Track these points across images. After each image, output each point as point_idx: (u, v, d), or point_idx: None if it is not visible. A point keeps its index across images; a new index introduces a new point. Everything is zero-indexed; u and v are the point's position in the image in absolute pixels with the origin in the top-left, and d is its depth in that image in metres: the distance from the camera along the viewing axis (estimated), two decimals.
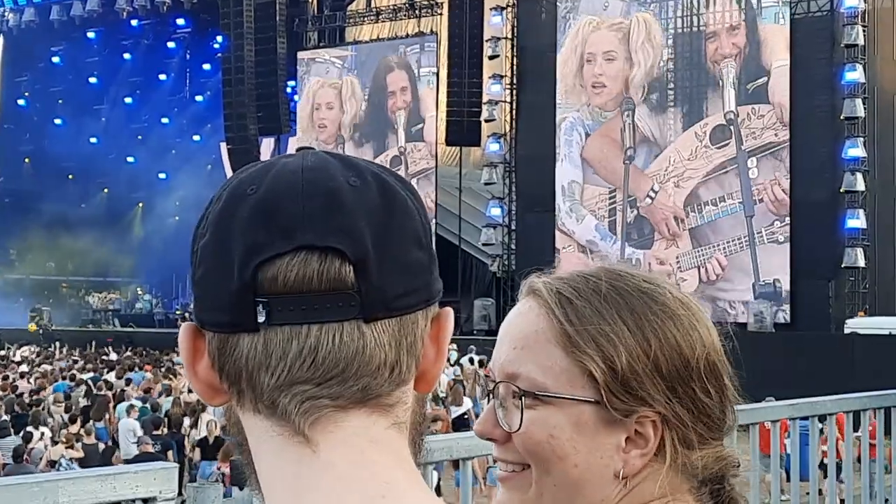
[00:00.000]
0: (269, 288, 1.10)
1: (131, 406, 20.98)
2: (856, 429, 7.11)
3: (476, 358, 27.84)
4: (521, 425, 1.52)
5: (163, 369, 30.42)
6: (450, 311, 1.22)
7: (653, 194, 37.35)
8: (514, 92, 41.84)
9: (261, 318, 1.10)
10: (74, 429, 19.93)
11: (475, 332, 33.91)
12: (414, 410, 1.19)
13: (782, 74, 34.99)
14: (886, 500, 7.28)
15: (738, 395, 1.56)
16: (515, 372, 1.54)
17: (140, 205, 61.46)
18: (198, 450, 19.52)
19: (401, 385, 1.15)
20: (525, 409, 1.52)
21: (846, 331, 30.34)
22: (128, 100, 61.29)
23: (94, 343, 41.84)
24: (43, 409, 21.95)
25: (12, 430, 19.53)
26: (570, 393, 1.50)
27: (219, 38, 51.96)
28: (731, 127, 36.03)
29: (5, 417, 20.75)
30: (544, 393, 1.52)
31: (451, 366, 26.71)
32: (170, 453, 18.63)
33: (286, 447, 1.12)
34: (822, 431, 6.91)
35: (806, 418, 6.65)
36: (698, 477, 1.51)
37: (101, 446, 20.04)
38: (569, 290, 1.54)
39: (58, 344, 42.58)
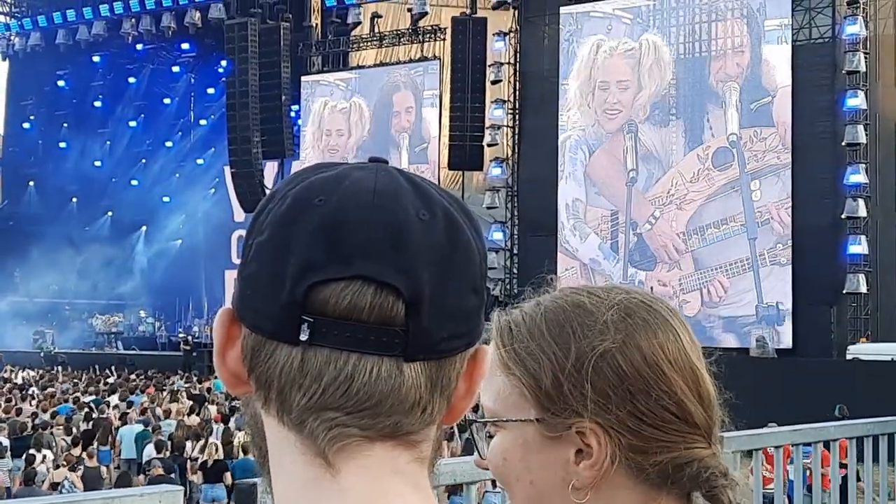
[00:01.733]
0: (318, 309, 1.08)
1: (153, 432, 20.97)
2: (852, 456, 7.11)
3: None
4: (484, 454, 1.59)
5: (165, 392, 30.40)
6: (486, 351, 1.21)
7: (653, 220, 37.33)
8: (517, 117, 41.91)
9: (303, 336, 1.08)
10: (76, 452, 19.92)
11: None
12: (433, 442, 1.18)
13: (784, 99, 35.03)
14: None
15: (710, 399, 1.55)
16: (481, 404, 1.58)
17: (144, 228, 61.45)
18: (199, 473, 19.51)
19: (430, 425, 1.15)
20: (488, 437, 1.58)
21: (848, 357, 30.27)
22: (132, 123, 61.38)
23: (97, 367, 41.77)
24: (49, 431, 21.93)
25: (10, 454, 19.57)
26: (513, 415, 1.54)
27: (223, 63, 52.11)
28: (734, 150, 36.06)
29: (3, 440, 20.75)
30: (492, 419, 1.57)
31: None
32: (172, 476, 18.63)
33: (306, 465, 1.11)
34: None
35: (809, 444, 6.66)
36: (668, 482, 1.51)
37: (104, 470, 20.04)
38: (514, 317, 1.59)
39: (59, 368, 42.55)
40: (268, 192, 1.22)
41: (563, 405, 1.50)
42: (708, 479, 1.50)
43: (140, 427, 22.83)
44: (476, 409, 1.36)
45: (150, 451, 20.18)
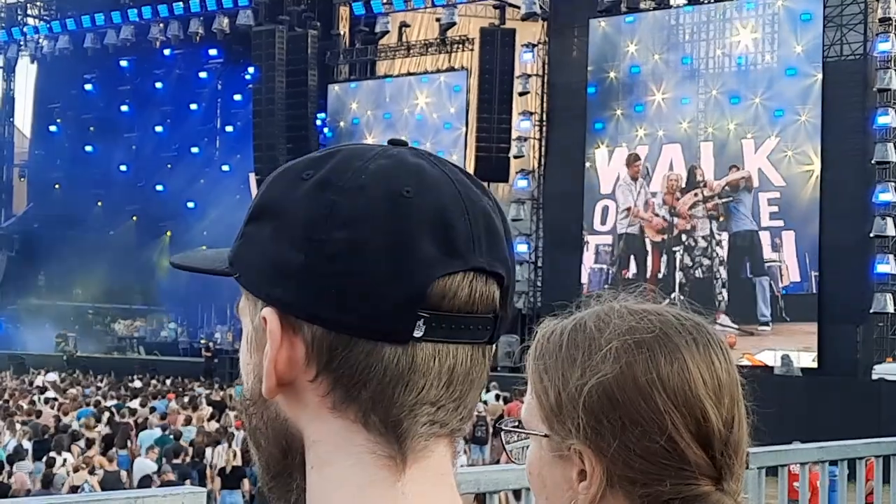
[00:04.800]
0: (433, 304, 1.06)
1: (151, 447, 20.86)
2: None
3: (502, 394, 27.76)
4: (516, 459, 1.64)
5: (185, 399, 30.44)
6: None
7: (688, 245, 37.27)
8: (544, 129, 41.89)
9: (417, 333, 1.06)
10: (93, 453, 19.97)
11: (499, 368, 33.99)
12: None
13: (814, 116, 34.92)
14: None
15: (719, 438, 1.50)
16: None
17: (168, 233, 61.63)
18: (218, 479, 19.52)
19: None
20: (525, 445, 1.60)
21: (874, 376, 30.08)
22: (158, 128, 61.61)
23: (114, 372, 41.93)
24: (68, 434, 21.97)
25: (32, 456, 19.61)
26: (532, 427, 1.57)
27: (250, 70, 52.25)
28: (763, 164, 36.06)
29: (24, 442, 20.82)
30: (519, 429, 1.60)
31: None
32: (188, 482, 18.61)
33: (372, 466, 1.08)
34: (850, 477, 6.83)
35: (835, 462, 6.58)
36: None
37: (123, 474, 20.07)
38: (550, 330, 1.60)
39: (78, 371, 42.71)
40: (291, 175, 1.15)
41: (563, 425, 1.50)
42: None
43: (159, 433, 22.85)
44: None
45: (146, 465, 20.00)
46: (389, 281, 1.05)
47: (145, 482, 19.17)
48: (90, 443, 21.12)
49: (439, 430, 1.09)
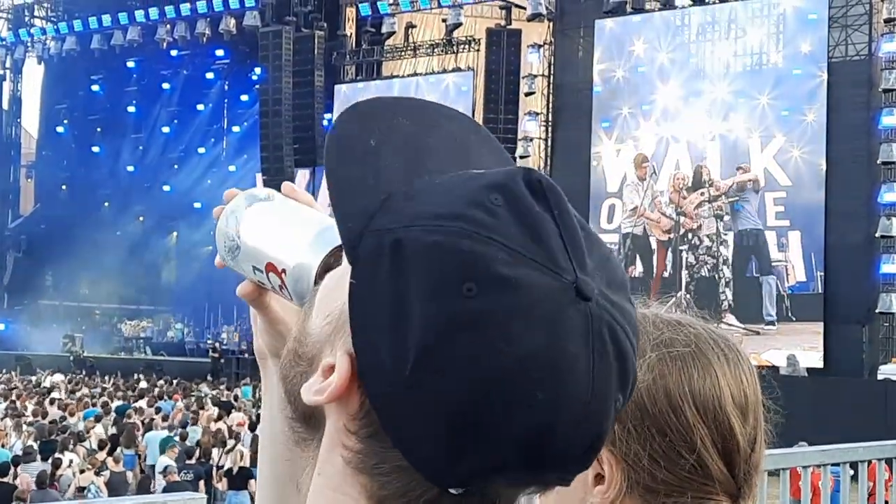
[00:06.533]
0: (477, 485, 0.98)
1: (171, 445, 20.80)
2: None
3: None
4: None
5: (192, 399, 30.46)
6: None
7: (694, 245, 37.23)
8: (550, 129, 41.86)
9: (453, 491, 0.98)
10: (102, 456, 19.95)
11: None
12: None
13: (819, 116, 34.86)
14: None
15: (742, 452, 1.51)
16: None
17: (175, 233, 61.66)
18: (224, 480, 19.50)
19: None
20: None
21: (879, 377, 30.04)
22: (165, 129, 61.60)
23: (120, 372, 41.94)
24: (69, 436, 21.96)
25: (39, 457, 19.57)
26: None
27: (257, 70, 52.27)
28: (769, 164, 36.02)
29: (32, 443, 20.81)
30: None
31: None
32: (201, 483, 18.63)
33: None
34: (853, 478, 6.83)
35: (838, 464, 6.57)
36: None
37: (129, 474, 20.06)
38: None
39: (85, 371, 42.76)
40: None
41: None
42: None
43: (166, 433, 22.84)
44: None
45: (165, 462, 20.00)
46: (457, 462, 0.96)
47: (145, 483, 19.20)
48: (102, 444, 21.12)
49: None
